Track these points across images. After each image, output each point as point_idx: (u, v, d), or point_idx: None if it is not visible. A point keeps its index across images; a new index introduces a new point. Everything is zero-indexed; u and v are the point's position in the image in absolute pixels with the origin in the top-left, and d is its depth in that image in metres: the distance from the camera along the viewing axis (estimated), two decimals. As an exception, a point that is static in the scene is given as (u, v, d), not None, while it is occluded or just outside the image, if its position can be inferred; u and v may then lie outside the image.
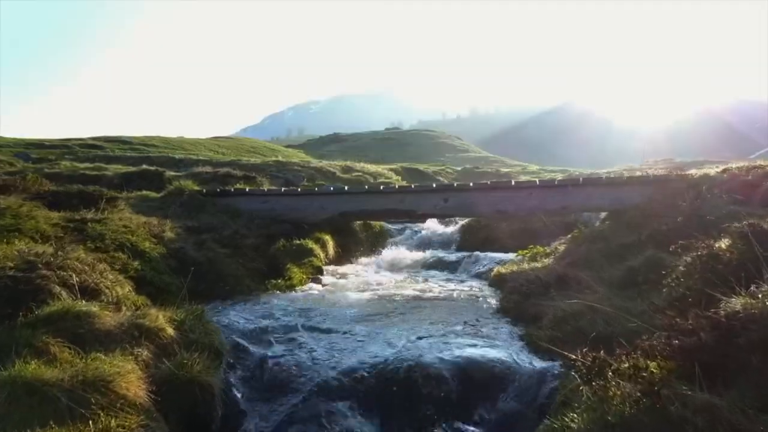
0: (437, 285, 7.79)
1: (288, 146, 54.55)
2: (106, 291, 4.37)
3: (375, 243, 11.78)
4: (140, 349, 3.51)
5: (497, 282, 7.30)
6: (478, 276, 8.56)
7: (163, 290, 5.47)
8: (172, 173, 13.78)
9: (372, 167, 26.25)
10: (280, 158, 28.26)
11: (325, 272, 8.72)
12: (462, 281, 8.33)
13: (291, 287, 7.26)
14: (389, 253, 10.33)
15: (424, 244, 11.69)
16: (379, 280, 8.12)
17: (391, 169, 27.08)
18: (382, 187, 9.38)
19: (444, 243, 11.88)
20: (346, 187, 9.66)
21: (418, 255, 10.34)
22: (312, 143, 61.28)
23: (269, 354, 4.31)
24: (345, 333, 4.89)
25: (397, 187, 9.17)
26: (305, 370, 4.05)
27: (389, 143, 57.39)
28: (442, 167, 32.16)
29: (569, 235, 8.46)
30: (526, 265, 7.22)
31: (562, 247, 7.53)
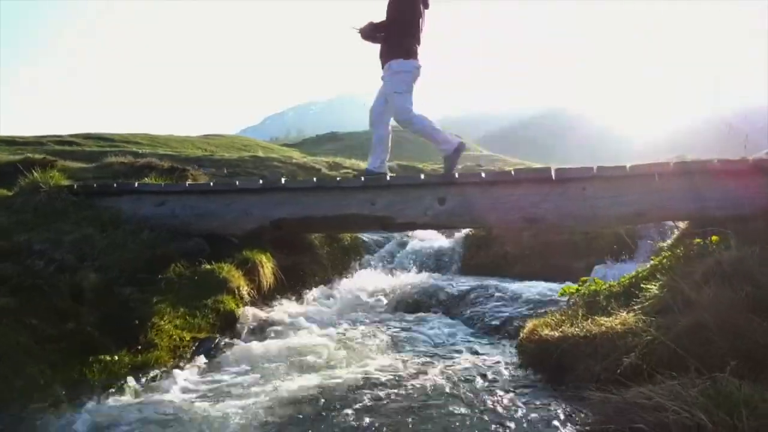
0: (421, 355, 4.31)
1: (284, 145, 51.72)
2: None
3: (343, 262, 8.33)
4: None
5: (535, 357, 3.83)
6: (496, 331, 5.08)
7: None
8: (81, 165, 10.41)
9: (364, 164, 23.18)
10: (259, 153, 25.23)
11: (242, 321, 5.29)
12: (468, 342, 4.84)
13: (142, 368, 3.76)
14: (356, 281, 6.87)
15: (411, 264, 8.24)
16: (323, 343, 4.65)
17: (385, 166, 23.99)
18: (339, 179, 5.86)
19: (440, 262, 8.43)
20: (283, 180, 6.10)
21: (401, 283, 6.86)
22: (308, 142, 58.51)
23: None
24: None
25: (363, 179, 5.67)
26: None
27: (387, 141, 54.35)
28: (443, 165, 29.09)
29: (649, 262, 4.99)
30: (592, 326, 3.74)
31: (653, 289, 4.04)
